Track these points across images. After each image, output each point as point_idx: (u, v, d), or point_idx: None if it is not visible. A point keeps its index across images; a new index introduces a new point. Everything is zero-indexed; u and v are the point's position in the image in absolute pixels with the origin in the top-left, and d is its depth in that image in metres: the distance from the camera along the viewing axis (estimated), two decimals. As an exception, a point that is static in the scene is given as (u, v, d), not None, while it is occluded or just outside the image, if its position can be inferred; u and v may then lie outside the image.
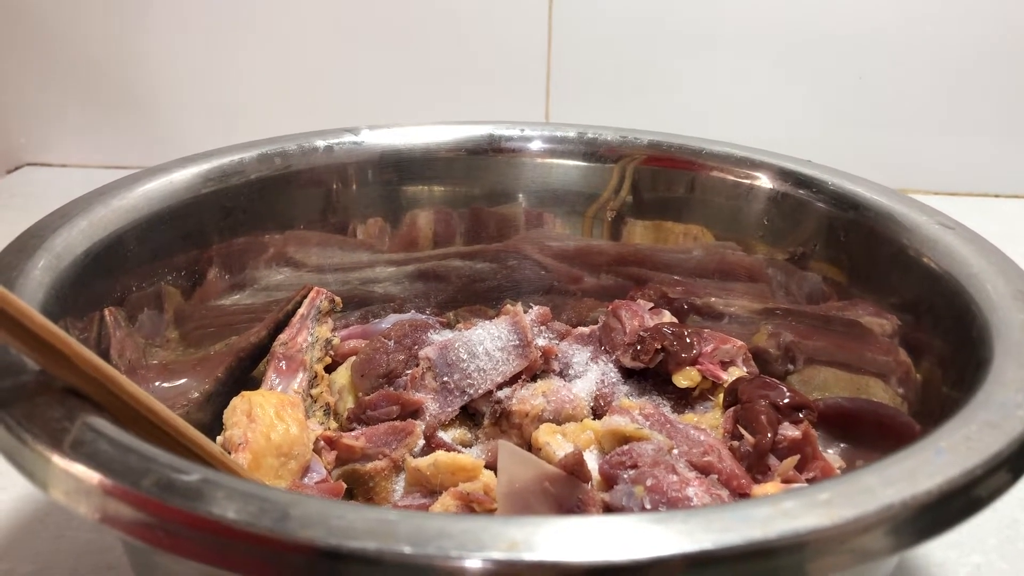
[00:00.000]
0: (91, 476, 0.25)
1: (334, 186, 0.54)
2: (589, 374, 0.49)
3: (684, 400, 0.48)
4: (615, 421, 0.42)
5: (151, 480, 0.25)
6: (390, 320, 0.55)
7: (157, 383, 0.44)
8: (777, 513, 0.23)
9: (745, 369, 0.49)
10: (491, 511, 0.37)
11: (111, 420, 0.28)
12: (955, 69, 0.85)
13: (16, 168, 0.94)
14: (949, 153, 0.88)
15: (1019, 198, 0.90)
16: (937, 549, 0.44)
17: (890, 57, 0.85)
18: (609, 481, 0.38)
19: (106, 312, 0.41)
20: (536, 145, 0.56)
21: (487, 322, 0.51)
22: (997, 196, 0.90)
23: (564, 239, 0.58)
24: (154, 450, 0.26)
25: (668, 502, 0.35)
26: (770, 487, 0.39)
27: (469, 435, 0.47)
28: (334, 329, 0.53)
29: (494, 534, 0.23)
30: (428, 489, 0.41)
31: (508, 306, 0.54)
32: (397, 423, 0.45)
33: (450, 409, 0.46)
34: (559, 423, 0.45)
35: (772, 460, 0.41)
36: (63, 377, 0.29)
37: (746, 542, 0.23)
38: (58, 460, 0.26)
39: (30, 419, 0.27)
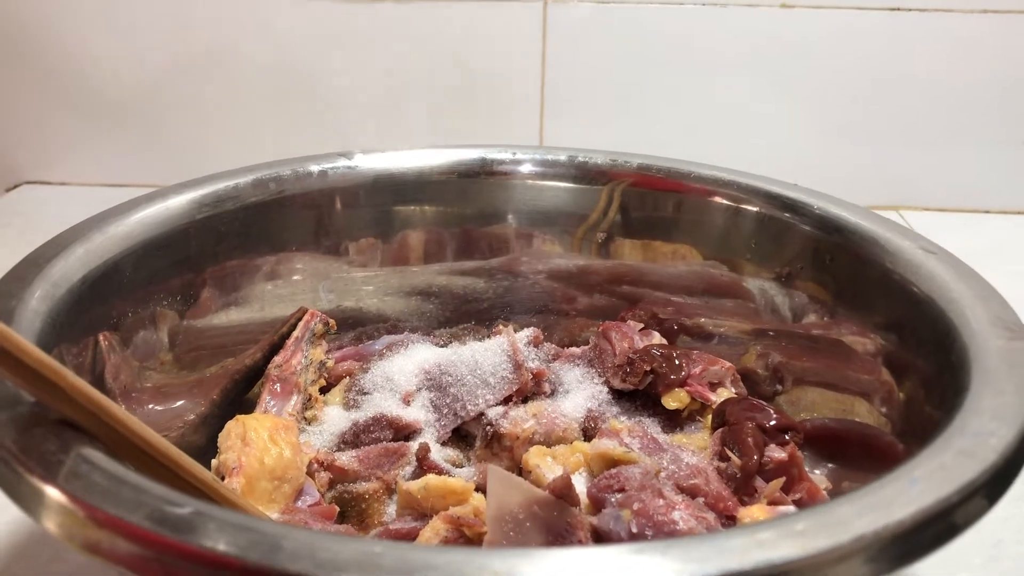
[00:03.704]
0: (84, 509, 0.26)
1: (328, 210, 0.54)
2: (580, 395, 0.49)
3: (674, 421, 0.49)
4: (604, 444, 0.42)
5: (143, 512, 0.25)
6: (384, 341, 0.55)
7: (152, 406, 0.45)
8: (753, 544, 0.24)
9: (734, 390, 0.50)
10: (481, 534, 0.38)
11: (105, 451, 0.29)
12: (944, 87, 0.86)
13: (15, 186, 0.95)
14: (939, 170, 0.89)
15: (1008, 214, 0.90)
16: (923, 569, 0.44)
17: (881, 76, 0.86)
18: (597, 505, 0.38)
19: (100, 337, 0.41)
20: (527, 168, 0.57)
21: (479, 343, 0.51)
22: (987, 212, 0.91)
23: (557, 259, 0.59)
24: (147, 482, 0.27)
25: (654, 526, 0.36)
26: (756, 509, 0.40)
27: (461, 456, 0.47)
28: (328, 351, 0.53)
29: (478, 566, 0.23)
30: (419, 512, 0.41)
31: (500, 327, 0.54)
32: (390, 445, 0.46)
33: (442, 432, 0.47)
34: (549, 445, 0.45)
35: (759, 482, 0.42)
36: (58, 409, 0.29)
37: (722, 573, 0.23)
38: (52, 492, 0.26)
39: (25, 451, 0.28)
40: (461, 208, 0.58)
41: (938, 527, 0.26)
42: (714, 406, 0.47)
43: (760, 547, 0.24)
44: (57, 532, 0.26)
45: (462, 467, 0.47)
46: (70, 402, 0.29)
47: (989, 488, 0.28)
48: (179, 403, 0.47)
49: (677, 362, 0.48)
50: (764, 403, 0.46)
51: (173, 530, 0.25)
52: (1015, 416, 0.30)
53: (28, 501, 0.27)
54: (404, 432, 0.47)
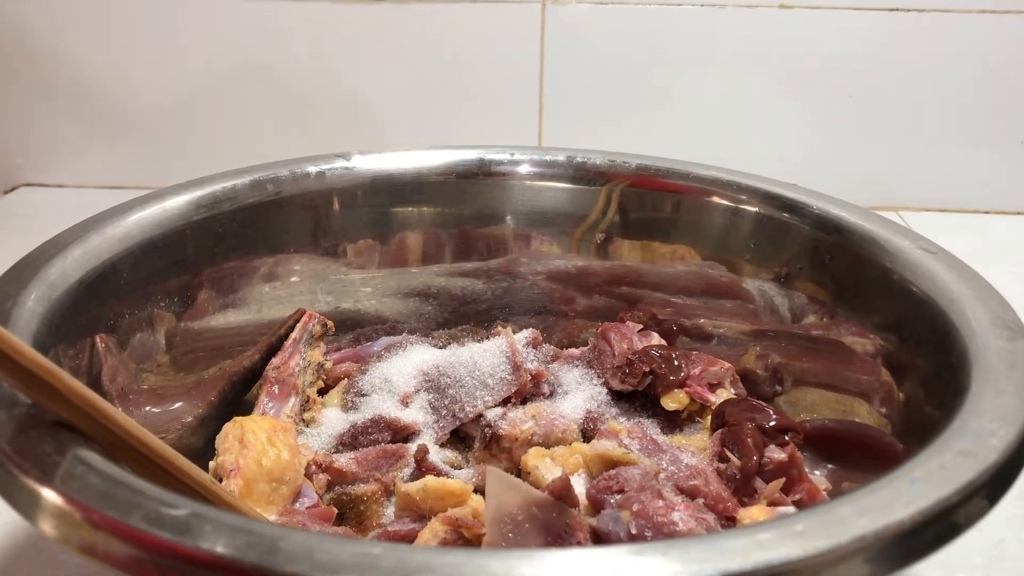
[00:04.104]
0: (80, 511, 0.25)
1: (326, 211, 0.54)
2: (578, 397, 0.49)
3: (673, 422, 0.48)
4: (603, 445, 0.42)
5: (140, 514, 0.25)
6: (382, 343, 0.55)
7: (149, 408, 0.45)
8: (753, 544, 0.24)
9: (733, 391, 0.49)
10: (480, 536, 0.38)
11: (101, 453, 0.29)
12: (943, 87, 0.86)
13: (13, 188, 0.95)
14: (939, 170, 0.89)
15: (1009, 214, 0.90)
16: (924, 569, 0.44)
17: (880, 76, 0.86)
18: (596, 506, 0.38)
19: (97, 339, 0.41)
20: (525, 168, 0.57)
21: (478, 345, 0.51)
22: (987, 212, 0.91)
23: (556, 260, 0.59)
24: (143, 484, 0.27)
25: (654, 527, 0.36)
26: (756, 510, 0.39)
27: (459, 458, 0.47)
28: (326, 353, 0.53)
29: (475, 568, 0.23)
30: (418, 513, 0.41)
31: (499, 328, 0.54)
32: (388, 447, 0.46)
33: (440, 433, 0.47)
34: (548, 446, 0.45)
35: (759, 483, 0.41)
36: (54, 410, 0.29)
37: (722, 574, 0.23)
38: (48, 494, 0.26)
39: (21, 453, 0.28)
40: (459, 209, 0.58)
41: (938, 527, 0.26)
42: (713, 407, 0.47)
43: (760, 548, 0.24)
44: (53, 534, 0.26)
45: (461, 469, 0.46)
46: (66, 403, 0.29)
47: (990, 488, 0.28)
48: (176, 405, 0.47)
49: (676, 363, 0.48)
50: (764, 404, 0.46)
51: (170, 532, 0.25)
52: (1015, 416, 0.30)
53: (24, 503, 0.27)
54: (402, 434, 0.47)
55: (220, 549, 0.24)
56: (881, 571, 0.25)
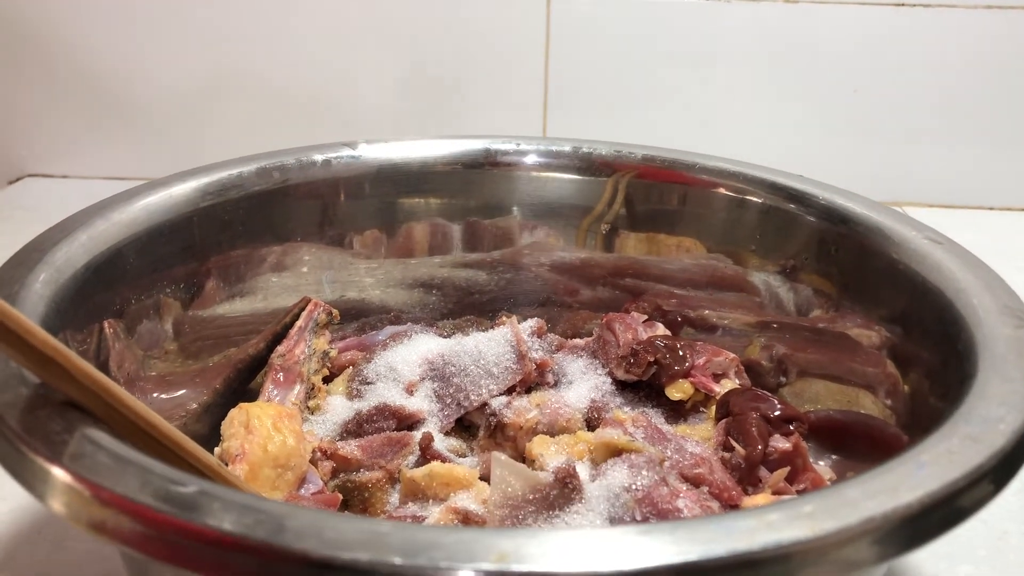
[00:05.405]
0: (89, 488, 0.26)
1: (332, 199, 0.54)
2: (583, 386, 0.49)
3: (677, 412, 0.48)
4: (608, 433, 0.42)
5: (148, 492, 0.25)
6: (387, 332, 0.55)
7: (155, 394, 0.45)
8: (761, 525, 0.24)
9: (738, 381, 0.49)
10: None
11: (109, 432, 0.29)
12: (949, 83, 0.86)
13: (18, 179, 0.95)
14: (943, 166, 0.89)
15: (1013, 211, 0.90)
16: (928, 560, 0.44)
17: (885, 71, 0.86)
18: (601, 492, 0.38)
19: (105, 324, 0.41)
20: (531, 159, 0.57)
21: (483, 334, 0.51)
22: (991, 208, 0.91)
23: (560, 251, 0.59)
24: (151, 462, 0.27)
25: (658, 514, 0.36)
26: (760, 499, 0.39)
27: (464, 446, 0.47)
28: (331, 341, 0.53)
29: (484, 545, 0.23)
30: (423, 500, 0.41)
31: (503, 318, 0.54)
32: (393, 434, 0.46)
33: (445, 422, 0.47)
34: (553, 435, 0.45)
35: (763, 472, 0.42)
36: (63, 390, 0.29)
37: (731, 554, 0.23)
38: (57, 472, 0.26)
39: (30, 431, 0.28)
40: (465, 200, 0.58)
41: (945, 511, 0.26)
42: (718, 397, 0.47)
43: (769, 528, 0.24)
44: (62, 512, 0.26)
45: (465, 457, 0.46)
46: (75, 383, 0.29)
47: (996, 473, 0.28)
48: (182, 392, 0.47)
49: (681, 353, 0.48)
50: (768, 394, 0.46)
51: (178, 509, 0.25)
52: (1023, 403, 0.30)
53: (33, 481, 0.27)
54: (407, 422, 0.47)
55: (228, 526, 0.24)
56: (888, 553, 0.25)
